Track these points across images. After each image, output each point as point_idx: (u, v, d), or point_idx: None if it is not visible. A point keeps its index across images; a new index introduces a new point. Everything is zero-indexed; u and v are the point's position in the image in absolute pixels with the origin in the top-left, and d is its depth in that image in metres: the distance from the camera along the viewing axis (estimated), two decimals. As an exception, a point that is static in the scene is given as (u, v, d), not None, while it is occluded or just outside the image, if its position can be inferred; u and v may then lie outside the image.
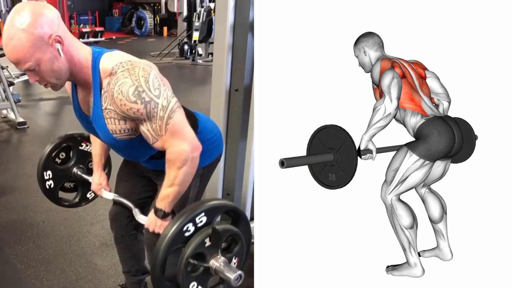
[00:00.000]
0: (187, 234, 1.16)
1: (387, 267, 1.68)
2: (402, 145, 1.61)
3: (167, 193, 1.34)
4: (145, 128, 1.25)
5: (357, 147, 1.56)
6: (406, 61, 1.69)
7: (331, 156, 1.59)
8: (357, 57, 1.75)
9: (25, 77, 5.62)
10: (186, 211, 1.17)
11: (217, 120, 2.16)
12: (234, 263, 1.26)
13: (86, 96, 1.32)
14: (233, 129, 2.34)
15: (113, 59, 1.24)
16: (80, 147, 1.77)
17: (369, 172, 1.69)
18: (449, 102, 1.76)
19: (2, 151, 4.09)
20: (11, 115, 4.76)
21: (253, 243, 2.30)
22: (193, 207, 1.18)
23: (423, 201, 1.75)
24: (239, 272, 1.17)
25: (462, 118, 1.74)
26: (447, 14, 1.78)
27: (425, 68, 1.73)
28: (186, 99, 4.12)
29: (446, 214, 1.74)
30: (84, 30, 7.94)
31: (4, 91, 4.71)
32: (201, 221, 1.17)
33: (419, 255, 1.67)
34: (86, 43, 7.93)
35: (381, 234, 1.68)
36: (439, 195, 1.75)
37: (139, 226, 1.73)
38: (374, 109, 1.57)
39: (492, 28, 1.76)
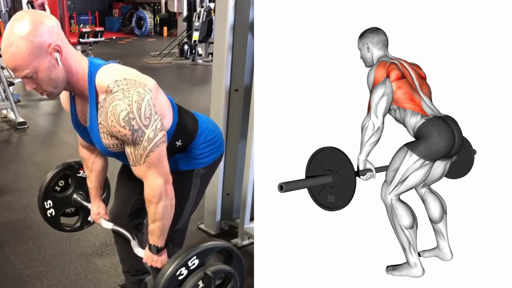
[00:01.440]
0: (180, 277, 1.22)
1: (387, 267, 1.68)
2: (402, 145, 1.61)
3: (152, 229, 1.38)
4: (128, 150, 1.28)
5: (355, 169, 1.57)
6: (405, 61, 1.69)
7: (330, 179, 1.60)
8: (359, 50, 1.75)
9: (25, 77, 5.61)
10: (179, 255, 1.23)
11: (217, 120, 2.17)
12: None
13: (84, 106, 1.33)
14: (233, 129, 2.34)
15: (109, 75, 1.24)
16: (78, 174, 1.80)
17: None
18: None
19: (2, 151, 4.09)
20: (11, 115, 4.76)
21: (253, 243, 2.31)
22: (185, 251, 1.24)
23: (423, 201, 1.75)
24: None
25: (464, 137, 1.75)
26: (447, 14, 1.78)
27: (425, 76, 1.74)
28: (186, 99, 4.12)
29: (446, 214, 1.74)
30: (84, 30, 7.91)
31: (4, 91, 4.71)
32: (194, 264, 1.24)
33: (419, 255, 1.67)
34: (86, 43, 7.88)
35: (381, 234, 1.68)
36: (439, 195, 1.75)
37: (140, 225, 1.73)
38: (362, 127, 1.59)
39: (491, 30, 1.76)
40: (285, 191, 1.51)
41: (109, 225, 1.65)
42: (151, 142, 1.25)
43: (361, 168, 1.61)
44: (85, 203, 1.77)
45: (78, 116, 1.38)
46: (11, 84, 5.00)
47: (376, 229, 1.70)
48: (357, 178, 1.58)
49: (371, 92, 1.61)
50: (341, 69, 1.80)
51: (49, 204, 1.77)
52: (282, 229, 1.72)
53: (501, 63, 1.78)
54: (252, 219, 2.38)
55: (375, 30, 1.71)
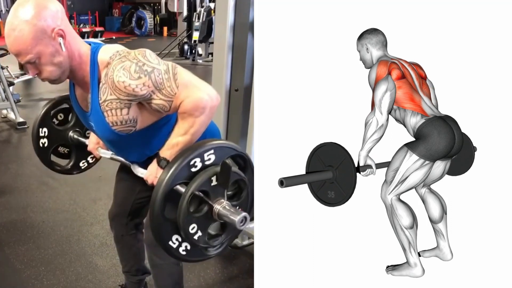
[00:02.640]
0: (193, 169, 1.12)
1: (387, 267, 1.68)
2: (402, 145, 1.61)
3: (176, 142, 1.26)
4: (157, 99, 1.22)
5: (356, 164, 1.57)
6: (406, 62, 1.69)
7: (330, 174, 1.60)
8: (359, 51, 1.75)
9: (25, 77, 5.62)
10: (194, 146, 1.13)
11: (217, 120, 2.16)
12: None
13: (84, 93, 1.32)
14: (233, 129, 2.34)
15: (110, 50, 1.24)
16: None
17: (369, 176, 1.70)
18: None
19: (2, 151, 4.09)
20: (11, 115, 4.76)
21: (253, 243, 2.31)
22: (201, 143, 1.14)
23: (423, 201, 1.75)
24: (244, 213, 1.12)
25: (464, 133, 1.74)
26: (447, 15, 1.78)
27: (425, 73, 1.74)
28: (186, 99, 4.16)
29: (446, 214, 1.74)
30: (84, 30, 7.93)
31: (4, 91, 4.71)
32: (209, 159, 1.13)
33: (419, 255, 1.67)
34: (86, 43, 7.97)
35: (381, 234, 1.68)
36: (439, 195, 1.75)
37: (139, 225, 1.73)
38: (366, 123, 1.59)
39: (491, 30, 1.76)
40: (286, 186, 1.50)
41: (107, 154, 1.55)
42: (170, 71, 1.22)
43: (361, 164, 1.60)
44: (82, 139, 1.70)
45: (79, 101, 1.36)
46: (11, 84, 5.00)
47: (376, 229, 1.70)
48: (358, 174, 1.58)
49: (373, 89, 1.61)
50: (341, 69, 1.80)
51: (44, 132, 1.69)
52: (282, 229, 1.72)
53: (501, 62, 1.78)
54: (252, 219, 2.37)
55: (373, 31, 1.71)
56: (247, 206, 1.24)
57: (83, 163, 1.81)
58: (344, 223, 1.73)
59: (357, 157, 1.60)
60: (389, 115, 1.69)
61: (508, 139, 1.79)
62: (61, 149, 1.77)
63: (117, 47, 1.27)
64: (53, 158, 1.78)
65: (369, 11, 1.77)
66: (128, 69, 1.16)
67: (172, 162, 1.13)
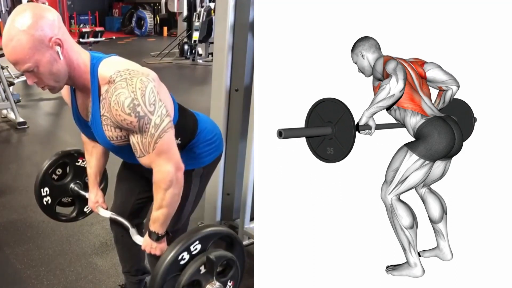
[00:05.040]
0: (182, 262, 1.20)
1: (387, 267, 1.68)
2: (402, 145, 1.61)
3: (157, 216, 1.35)
4: (135, 140, 1.25)
5: (356, 122, 1.54)
6: (405, 61, 1.69)
7: (329, 129, 1.57)
8: (355, 63, 1.74)
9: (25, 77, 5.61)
10: (181, 239, 1.21)
11: (217, 120, 2.16)
12: (230, 286, 1.31)
13: (85, 100, 1.32)
14: (233, 129, 2.34)
15: (111, 66, 1.24)
16: (76, 163, 1.78)
17: (370, 171, 1.70)
18: (458, 86, 1.72)
19: (2, 151, 4.09)
20: (11, 115, 4.76)
21: (253, 243, 2.31)
22: (187, 235, 1.22)
23: (423, 201, 1.75)
24: None
25: (461, 99, 1.73)
26: (446, 14, 1.78)
27: (424, 62, 1.72)
28: (186, 99, 4.13)
29: (446, 214, 1.74)
30: (84, 30, 7.91)
31: (4, 91, 4.71)
32: (196, 249, 1.22)
33: (419, 255, 1.67)
34: (86, 43, 7.89)
35: (381, 234, 1.68)
36: (439, 195, 1.75)
37: (139, 225, 1.73)
38: (379, 87, 1.55)
39: (490, 29, 1.76)
40: (284, 138, 1.47)
41: (107, 214, 1.62)
42: (158, 128, 1.23)
43: (362, 122, 1.57)
44: (83, 192, 1.74)
45: (79, 110, 1.36)
46: (11, 84, 5.01)
47: (376, 229, 1.70)
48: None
49: (384, 68, 1.58)
50: (341, 69, 1.80)
51: (46, 191, 1.74)
52: (282, 229, 1.72)
53: (501, 61, 1.78)
54: (252, 219, 2.37)
55: (364, 38, 1.71)
56: (238, 278, 1.34)
57: (87, 208, 1.86)
58: (344, 223, 1.73)
59: (360, 115, 1.58)
60: (390, 115, 1.69)
61: (508, 138, 1.79)
62: (64, 199, 1.83)
63: (118, 62, 1.27)
64: (58, 208, 1.83)
65: (369, 11, 1.77)
66: (122, 101, 1.18)
67: (161, 259, 1.20)
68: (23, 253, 2.35)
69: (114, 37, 12.68)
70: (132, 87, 1.19)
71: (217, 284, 1.24)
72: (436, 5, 1.78)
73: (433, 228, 1.75)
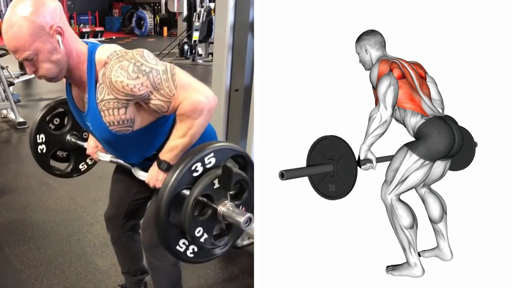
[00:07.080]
0: (195, 174, 1.12)
1: (387, 267, 1.68)
2: (402, 145, 1.61)
3: (175, 144, 1.27)
4: (155, 100, 1.22)
5: (356, 158, 1.56)
6: (406, 61, 1.69)
7: (331, 167, 1.59)
8: (358, 53, 1.75)
9: (25, 77, 5.62)
10: (194, 151, 1.13)
11: (217, 120, 2.17)
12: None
13: (80, 93, 1.32)
14: (233, 129, 2.34)
15: (108, 50, 1.24)
16: None
17: (369, 175, 1.69)
18: (443, 109, 1.75)
19: (2, 151, 4.09)
20: (11, 115, 4.76)
21: (253, 243, 2.31)
22: (201, 147, 1.15)
23: (423, 201, 1.75)
24: (248, 214, 1.12)
25: (463, 127, 1.74)
26: (447, 14, 1.78)
27: (425, 71, 1.74)
28: (186, 99, 4.17)
29: (446, 214, 1.74)
30: (84, 30, 7.93)
31: (4, 91, 4.71)
32: (210, 162, 1.14)
33: (419, 255, 1.67)
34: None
35: (381, 234, 1.68)
36: (439, 195, 1.75)
37: (136, 226, 1.72)
38: (369, 118, 1.58)
39: (491, 29, 1.76)
40: (286, 179, 1.49)
41: (107, 158, 1.55)
42: (168, 71, 1.21)
43: (361, 157, 1.59)
44: (80, 142, 1.69)
45: (75, 101, 1.35)
46: (11, 84, 5.00)
47: (376, 229, 1.70)
48: (358, 168, 1.56)
49: (377, 85, 1.60)
50: (341, 69, 1.80)
51: (42, 138, 1.67)
52: (282, 229, 1.72)
53: (501, 60, 1.78)
54: (252, 219, 2.37)
55: (371, 32, 1.71)
56: (250, 204, 1.25)
57: (82, 165, 1.81)
58: (344, 223, 1.73)
59: (358, 151, 1.59)
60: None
61: (508, 138, 1.79)
62: (59, 153, 1.77)
63: (114, 47, 1.27)
64: (52, 162, 1.77)
65: (369, 11, 1.77)
66: (126, 69, 1.16)
67: (173, 169, 1.13)
68: (23, 253, 2.35)
69: (114, 37, 12.72)
70: (130, 56, 1.19)
71: (230, 203, 1.15)
72: (436, 5, 1.78)
73: (433, 228, 1.75)
